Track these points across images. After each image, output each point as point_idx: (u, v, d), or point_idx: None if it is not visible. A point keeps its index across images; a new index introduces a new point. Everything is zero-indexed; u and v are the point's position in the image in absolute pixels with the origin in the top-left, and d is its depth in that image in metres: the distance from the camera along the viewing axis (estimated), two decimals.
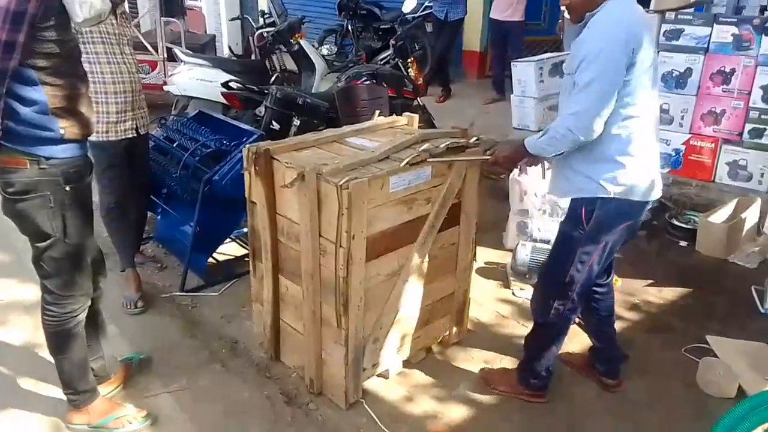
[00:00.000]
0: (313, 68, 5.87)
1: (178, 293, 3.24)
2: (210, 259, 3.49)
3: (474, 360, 2.75)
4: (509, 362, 2.69)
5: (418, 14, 6.89)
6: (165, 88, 5.60)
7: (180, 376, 2.59)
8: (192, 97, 5.30)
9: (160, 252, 3.74)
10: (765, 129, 3.95)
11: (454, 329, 2.83)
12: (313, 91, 5.54)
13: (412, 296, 2.53)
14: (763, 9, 4.31)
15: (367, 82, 4.54)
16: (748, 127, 4.03)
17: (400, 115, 3.15)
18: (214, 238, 3.40)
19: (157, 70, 6.68)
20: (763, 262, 3.56)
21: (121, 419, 2.27)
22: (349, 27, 7.51)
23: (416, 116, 3.05)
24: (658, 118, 2.21)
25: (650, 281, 3.43)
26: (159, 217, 3.84)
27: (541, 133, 2.15)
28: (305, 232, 2.29)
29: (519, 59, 5.54)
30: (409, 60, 5.21)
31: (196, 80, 5.30)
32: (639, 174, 2.10)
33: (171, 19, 6.91)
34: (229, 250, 3.66)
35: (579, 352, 2.74)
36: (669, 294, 3.31)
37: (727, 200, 3.94)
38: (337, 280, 2.24)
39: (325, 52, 6.51)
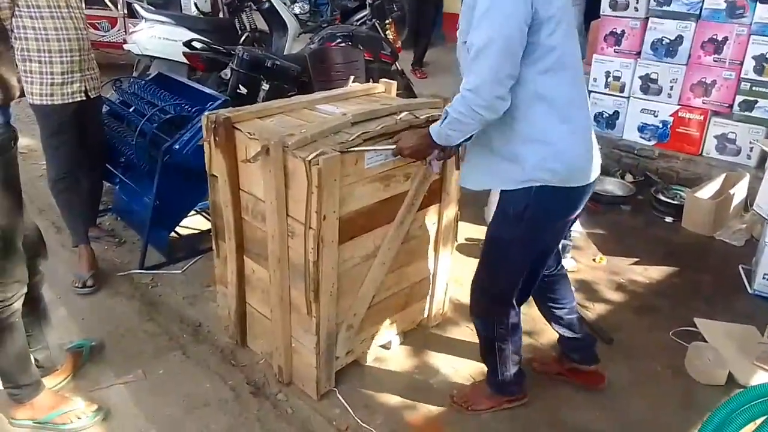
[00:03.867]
0: (285, 28, 5.56)
1: (136, 271, 3.02)
2: (173, 234, 3.26)
3: (454, 344, 2.60)
4: None
5: None
6: (125, 47, 5.24)
7: (136, 365, 2.38)
8: (154, 58, 4.97)
9: (118, 226, 3.49)
10: (756, 101, 3.80)
11: (434, 312, 2.67)
12: (284, 52, 5.24)
13: (388, 279, 2.35)
14: None
15: (342, 45, 4.27)
16: (739, 99, 3.87)
17: (377, 80, 2.92)
18: (176, 212, 3.16)
19: (116, 27, 6.28)
20: (749, 240, 3.46)
21: (68, 414, 2.06)
22: None
23: (394, 83, 2.81)
24: (584, 82, 1.87)
25: (635, 259, 3.30)
26: (117, 188, 3.58)
27: (441, 118, 1.82)
28: (271, 211, 2.07)
29: None
30: (387, 21, 4.92)
31: (158, 39, 4.95)
32: (573, 152, 1.78)
33: None
34: (193, 223, 3.42)
35: (544, 352, 2.54)
36: (655, 273, 3.19)
37: (714, 175, 3.81)
38: (306, 264, 2.04)
39: (297, 11, 6.15)
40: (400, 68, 4.76)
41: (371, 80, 3.52)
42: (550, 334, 2.45)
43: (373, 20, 4.87)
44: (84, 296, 2.81)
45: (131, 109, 3.29)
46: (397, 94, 2.84)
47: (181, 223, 3.30)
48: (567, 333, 2.31)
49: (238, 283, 2.41)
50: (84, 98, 2.81)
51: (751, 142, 3.87)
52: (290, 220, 2.06)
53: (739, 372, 2.41)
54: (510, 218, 1.87)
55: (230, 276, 2.42)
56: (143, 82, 3.50)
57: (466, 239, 3.39)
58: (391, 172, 2.18)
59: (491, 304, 2.05)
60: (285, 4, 5.77)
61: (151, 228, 3.00)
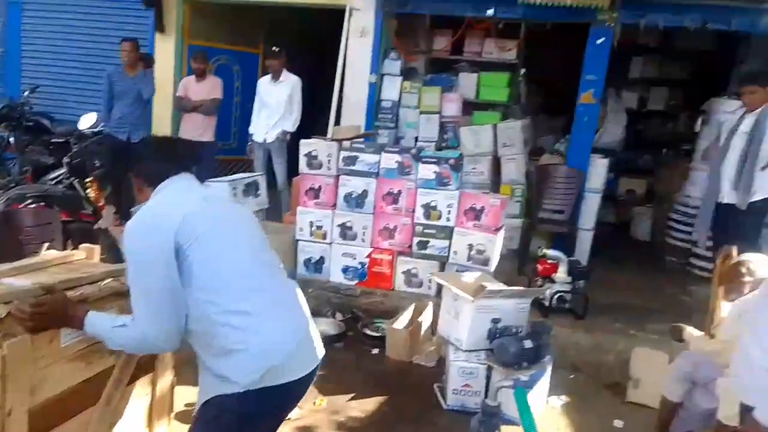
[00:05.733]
0: None
1: None
2: None
3: None
4: None
5: (98, 128, 6.36)
6: None
7: None
8: None
9: None
10: (428, 241, 4.63)
11: None
12: None
13: None
14: (416, 140, 5.19)
15: (33, 206, 3.94)
16: (416, 240, 4.67)
17: (78, 241, 2.78)
18: None
19: None
20: (440, 360, 4.03)
21: None
22: (11, 140, 6.51)
23: (97, 248, 2.70)
24: (280, 280, 1.99)
25: (352, 394, 3.54)
26: None
27: (120, 321, 1.84)
28: None
29: (212, 179, 5.53)
30: (87, 180, 4.73)
31: None
32: (273, 351, 1.80)
33: None
34: None
35: None
36: (369, 405, 3.45)
37: (405, 306, 4.42)
38: None
39: None
40: (104, 227, 4.55)
41: (70, 242, 3.31)
42: None
43: (72, 178, 4.63)
44: None
45: None
46: (102, 258, 2.73)
47: None
48: None
49: None
50: None
51: (429, 276, 4.65)
52: None
53: None
54: (215, 425, 1.83)
55: None
56: None
57: (186, 405, 3.21)
58: (94, 347, 2.05)
59: None
60: None
61: None
